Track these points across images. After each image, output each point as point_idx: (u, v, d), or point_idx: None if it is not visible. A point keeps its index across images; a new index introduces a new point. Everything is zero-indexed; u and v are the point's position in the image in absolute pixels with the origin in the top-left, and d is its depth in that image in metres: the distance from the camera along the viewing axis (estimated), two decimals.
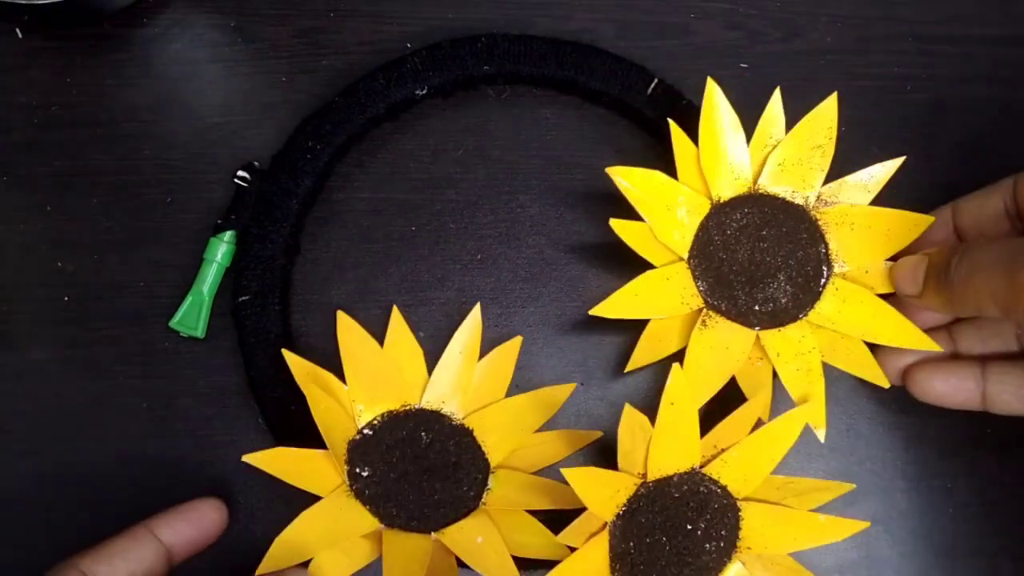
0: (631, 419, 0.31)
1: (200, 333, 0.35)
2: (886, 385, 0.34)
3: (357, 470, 0.32)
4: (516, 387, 0.36)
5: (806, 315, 0.34)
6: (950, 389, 0.33)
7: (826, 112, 0.34)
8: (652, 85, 0.37)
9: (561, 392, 0.34)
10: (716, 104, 0.34)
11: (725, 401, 0.34)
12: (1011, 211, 0.32)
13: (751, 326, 0.34)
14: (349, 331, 0.33)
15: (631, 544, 0.31)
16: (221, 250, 0.35)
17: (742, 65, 0.39)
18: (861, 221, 0.34)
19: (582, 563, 0.31)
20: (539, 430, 0.34)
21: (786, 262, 0.34)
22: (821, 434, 0.33)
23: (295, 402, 0.34)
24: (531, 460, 0.34)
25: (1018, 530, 0.36)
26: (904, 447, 0.37)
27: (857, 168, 0.35)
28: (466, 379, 0.34)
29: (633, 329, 0.36)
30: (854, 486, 0.33)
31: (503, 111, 0.38)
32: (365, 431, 0.33)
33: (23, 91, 0.37)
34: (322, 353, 0.35)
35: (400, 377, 0.33)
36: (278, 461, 0.31)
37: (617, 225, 0.33)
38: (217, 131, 0.37)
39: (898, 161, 0.34)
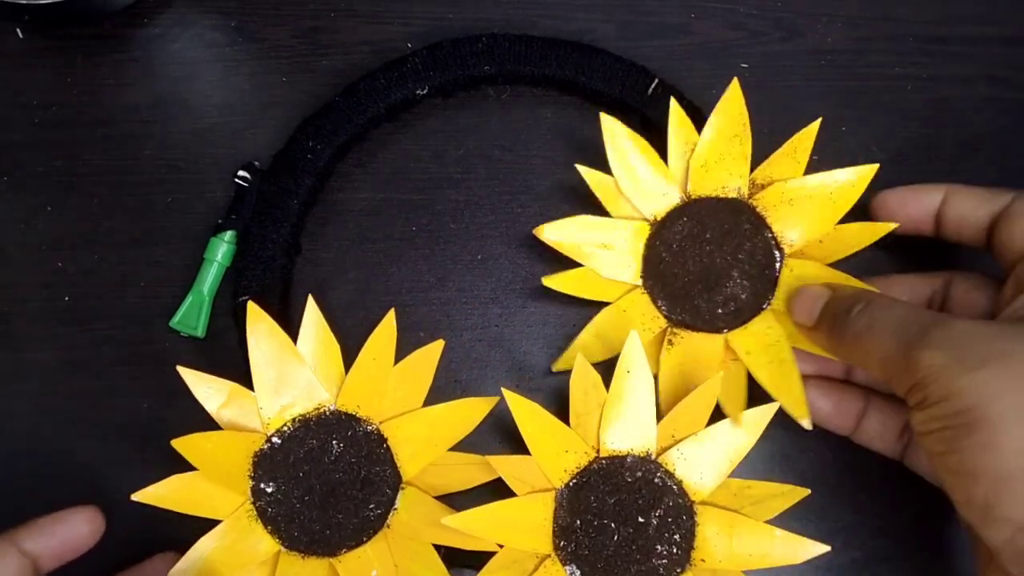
0: (584, 376, 0.31)
1: (200, 333, 0.35)
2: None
3: (262, 486, 0.31)
4: (516, 387, 0.36)
5: (769, 305, 0.34)
6: (831, 412, 0.33)
7: (732, 100, 0.34)
8: (652, 85, 0.37)
9: (482, 405, 0.32)
10: (617, 133, 0.34)
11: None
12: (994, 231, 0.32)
13: (719, 331, 0.34)
14: (258, 324, 0.31)
15: (577, 521, 0.31)
16: (221, 250, 0.35)
17: (743, 65, 0.39)
18: (798, 194, 0.34)
19: (526, 516, 0.31)
20: (456, 448, 0.33)
21: (736, 258, 0.34)
22: (806, 423, 0.32)
23: None
24: (441, 481, 0.33)
25: None
26: None
27: (857, 166, 0.35)
28: (381, 385, 0.32)
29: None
30: (809, 491, 0.32)
31: (503, 111, 0.38)
32: (273, 440, 0.32)
33: (24, 91, 0.37)
34: None
35: (313, 377, 0.32)
36: (172, 492, 0.30)
37: (552, 281, 0.34)
38: (217, 131, 0.37)
39: (815, 124, 0.34)
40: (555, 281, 0.34)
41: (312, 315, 0.32)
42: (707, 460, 0.31)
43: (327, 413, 0.32)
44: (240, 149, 0.37)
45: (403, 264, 0.37)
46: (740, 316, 0.34)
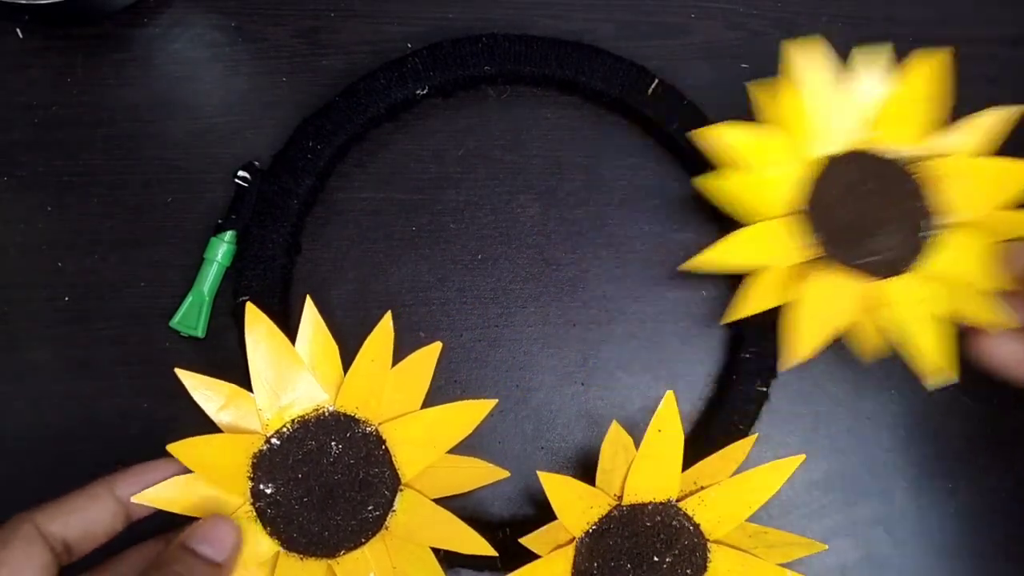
0: (616, 438, 0.31)
1: (200, 333, 0.35)
2: (1015, 325, 0.32)
3: (261, 487, 0.31)
4: (516, 387, 0.36)
5: (917, 265, 0.34)
6: (1011, 357, 0.32)
7: (933, 64, 0.34)
8: (652, 85, 0.37)
9: (480, 407, 0.32)
10: (820, 62, 0.34)
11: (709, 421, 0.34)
12: None
13: (862, 277, 0.34)
14: (257, 325, 0.31)
15: (595, 564, 0.32)
16: (222, 250, 0.35)
17: (743, 65, 0.39)
18: (970, 170, 0.34)
19: (544, 572, 0.31)
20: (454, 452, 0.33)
21: (895, 214, 0.34)
22: (943, 379, 0.32)
23: None
24: (440, 483, 0.33)
25: (1018, 530, 0.36)
26: (905, 447, 0.37)
27: None
28: (379, 386, 0.32)
29: (640, 327, 0.36)
30: (826, 546, 0.32)
31: (503, 111, 0.38)
32: (273, 441, 0.31)
33: (24, 91, 0.37)
34: None
35: (312, 379, 0.32)
36: (172, 494, 0.30)
37: (702, 182, 0.33)
38: (217, 131, 0.37)
39: (1010, 110, 0.34)
40: (707, 184, 0.33)
41: (310, 316, 0.32)
42: (726, 505, 0.32)
43: (326, 414, 0.32)
44: (240, 149, 0.37)
45: (403, 264, 0.37)
46: (887, 268, 0.34)
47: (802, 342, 0.32)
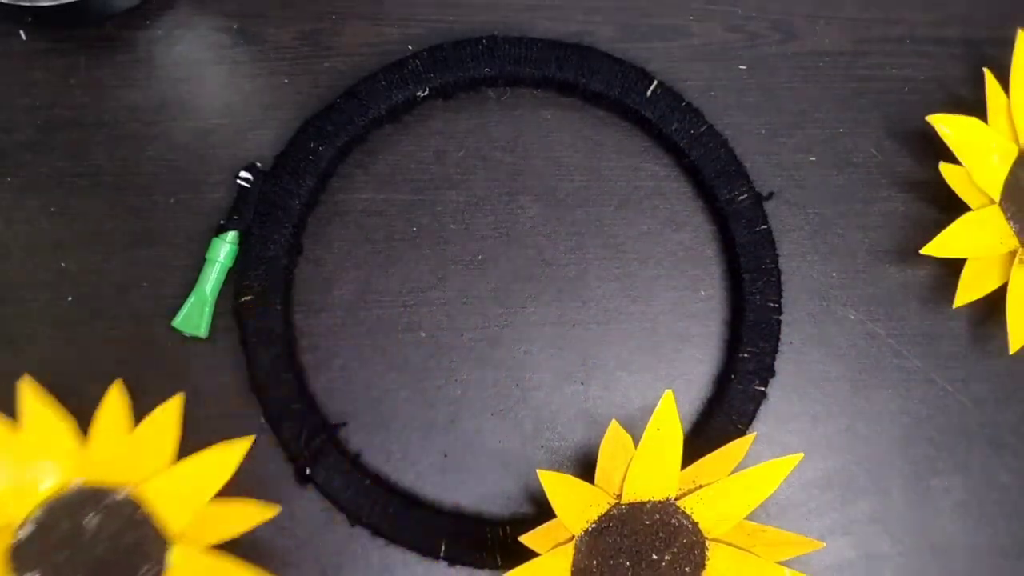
0: (615, 437, 0.32)
1: (203, 333, 0.35)
2: None
3: None
4: (516, 387, 0.36)
5: None
6: None
7: None
8: (652, 87, 0.37)
9: (236, 448, 0.31)
10: None
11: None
12: None
13: None
14: None
15: (595, 562, 0.32)
16: (224, 250, 0.35)
17: (741, 67, 0.39)
18: None
19: (544, 570, 0.32)
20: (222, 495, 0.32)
21: None
22: None
23: (296, 401, 0.34)
24: (213, 530, 0.32)
25: (1015, 528, 0.37)
26: (902, 446, 0.37)
27: (854, 168, 0.35)
28: (122, 451, 0.31)
29: (639, 327, 0.37)
30: (823, 544, 0.33)
31: (503, 113, 0.38)
32: (23, 530, 0.30)
33: (27, 92, 0.37)
34: (324, 352, 0.36)
35: (47, 460, 0.31)
36: None
37: (945, 169, 0.35)
38: (220, 132, 0.37)
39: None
40: (948, 169, 0.35)
41: (31, 396, 0.31)
42: (725, 503, 0.32)
43: (72, 490, 0.31)
44: (242, 150, 0.37)
45: (404, 264, 0.37)
46: None
47: (1017, 329, 0.34)
